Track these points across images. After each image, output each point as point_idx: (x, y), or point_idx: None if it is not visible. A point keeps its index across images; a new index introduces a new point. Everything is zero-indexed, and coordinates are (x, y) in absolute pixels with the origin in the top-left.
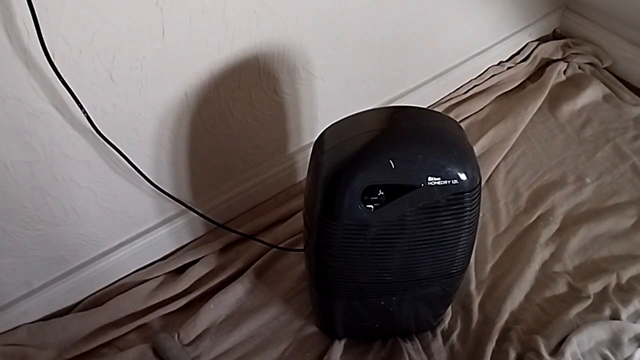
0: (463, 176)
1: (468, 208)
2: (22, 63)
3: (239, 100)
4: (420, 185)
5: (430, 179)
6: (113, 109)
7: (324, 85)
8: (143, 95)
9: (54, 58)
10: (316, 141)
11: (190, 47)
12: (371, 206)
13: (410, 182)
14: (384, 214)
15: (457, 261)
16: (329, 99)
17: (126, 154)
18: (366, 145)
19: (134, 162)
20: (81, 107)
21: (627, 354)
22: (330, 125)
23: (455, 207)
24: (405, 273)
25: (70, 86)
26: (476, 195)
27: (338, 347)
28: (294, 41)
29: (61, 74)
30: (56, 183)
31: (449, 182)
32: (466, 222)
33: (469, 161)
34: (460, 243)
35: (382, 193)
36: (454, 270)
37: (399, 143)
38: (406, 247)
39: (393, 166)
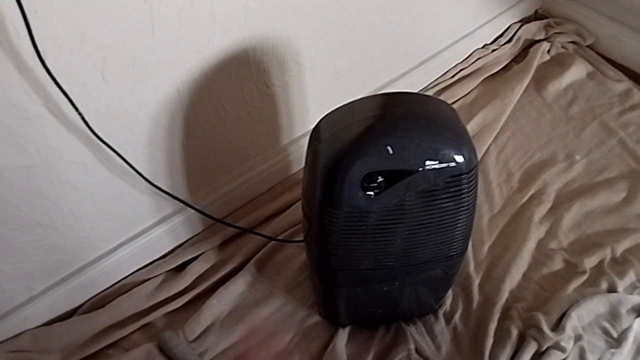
0: (460, 158)
1: (466, 190)
2: (13, 66)
3: (231, 95)
4: (418, 170)
5: (427, 163)
6: (106, 109)
7: (314, 75)
8: (136, 94)
9: (45, 60)
10: (312, 131)
11: (181, 43)
12: (371, 193)
13: (408, 167)
14: (384, 200)
15: (456, 243)
16: (319, 89)
17: (121, 154)
18: (363, 133)
19: (129, 161)
20: (75, 108)
21: (625, 325)
22: (326, 115)
23: (453, 189)
24: (407, 257)
25: (63, 88)
26: (473, 176)
27: (342, 335)
28: (282, 33)
29: (54, 75)
30: (52, 186)
31: (446, 165)
32: (464, 204)
33: (464, 143)
34: (459, 225)
35: (382, 179)
36: (454, 253)
37: (395, 129)
38: (407, 232)
39: (391, 152)
